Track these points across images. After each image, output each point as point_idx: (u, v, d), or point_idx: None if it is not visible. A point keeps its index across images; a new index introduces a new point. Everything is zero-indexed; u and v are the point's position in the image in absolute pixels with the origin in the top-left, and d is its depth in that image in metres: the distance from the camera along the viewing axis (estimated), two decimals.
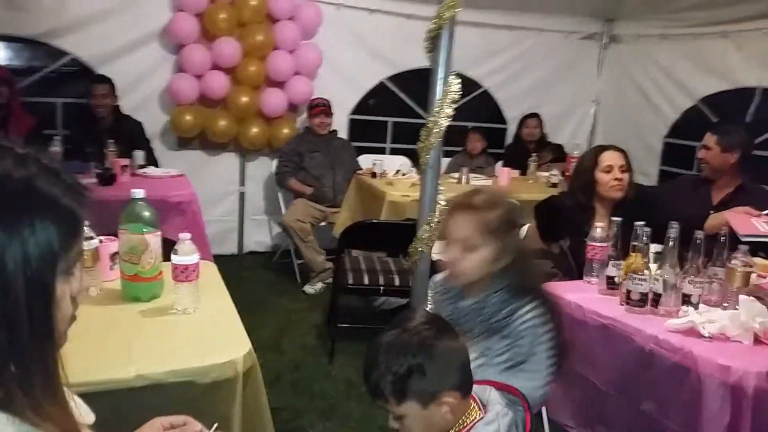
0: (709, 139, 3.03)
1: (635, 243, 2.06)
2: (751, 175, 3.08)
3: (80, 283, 0.81)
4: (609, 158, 2.62)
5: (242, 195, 4.90)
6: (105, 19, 4.13)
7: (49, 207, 0.74)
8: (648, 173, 5.27)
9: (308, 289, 4.20)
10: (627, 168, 2.64)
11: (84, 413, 0.85)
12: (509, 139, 5.67)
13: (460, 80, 1.85)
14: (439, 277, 1.65)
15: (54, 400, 0.74)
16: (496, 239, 1.44)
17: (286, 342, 3.35)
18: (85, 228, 0.84)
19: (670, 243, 2.00)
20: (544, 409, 2.43)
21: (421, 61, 4.82)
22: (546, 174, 4.58)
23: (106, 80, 3.98)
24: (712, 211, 2.84)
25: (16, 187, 0.72)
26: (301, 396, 2.84)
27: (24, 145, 0.76)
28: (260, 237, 5.06)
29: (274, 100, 4.47)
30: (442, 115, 1.79)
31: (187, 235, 1.68)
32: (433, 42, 1.81)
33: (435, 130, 1.78)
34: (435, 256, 1.56)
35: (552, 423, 2.29)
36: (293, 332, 3.45)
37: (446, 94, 1.79)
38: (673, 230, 2.00)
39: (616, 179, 2.59)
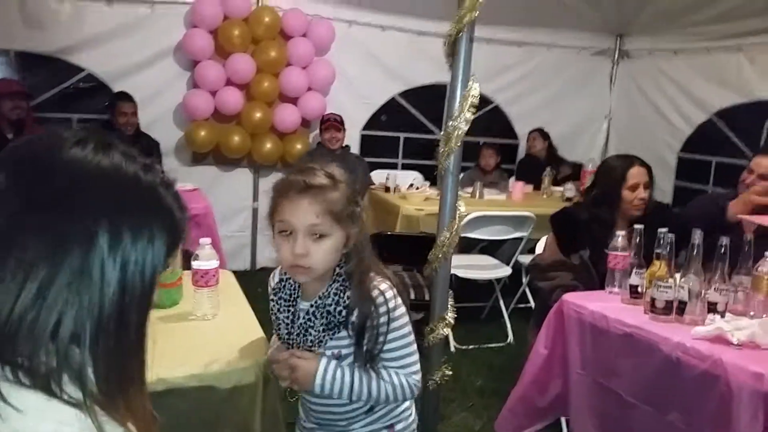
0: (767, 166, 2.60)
1: (659, 251, 2.03)
2: None
3: (156, 296, 0.84)
4: (636, 175, 2.52)
5: (255, 211, 4.90)
6: (120, 36, 4.19)
7: (165, 216, 0.76)
8: (662, 189, 5.23)
9: None
10: (650, 184, 2.57)
11: None
12: (521, 154, 5.67)
13: (478, 85, 1.83)
14: (276, 277, 1.46)
15: (141, 393, 0.76)
16: (344, 222, 1.27)
17: None
18: None
19: (695, 251, 1.96)
20: (564, 422, 2.39)
21: (432, 77, 4.97)
22: (560, 189, 4.56)
23: (131, 98, 4.04)
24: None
25: (144, 191, 0.74)
26: None
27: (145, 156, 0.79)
28: (272, 253, 4.94)
29: (287, 115, 4.49)
30: (461, 119, 1.77)
31: (208, 240, 1.68)
32: (452, 46, 1.80)
33: (455, 135, 1.76)
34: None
35: None
36: None
37: (466, 98, 1.78)
38: (697, 236, 1.96)
39: (640, 198, 2.51)
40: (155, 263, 0.74)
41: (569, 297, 2.19)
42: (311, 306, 1.34)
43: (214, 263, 1.67)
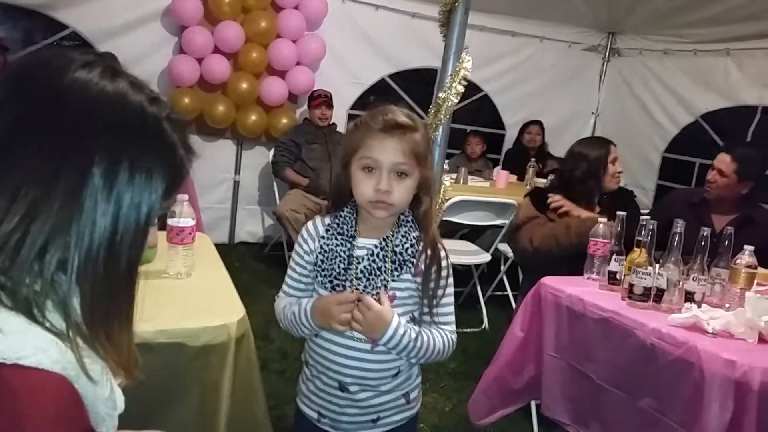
0: (727, 165, 2.72)
1: (640, 238, 2.03)
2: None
3: (153, 237, 0.81)
4: (614, 151, 2.73)
5: (236, 184, 4.83)
6: None
7: (167, 152, 0.75)
8: (645, 187, 5.28)
9: None
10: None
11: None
12: (507, 145, 5.66)
13: (471, 59, 1.81)
14: (318, 221, 1.40)
15: (127, 331, 0.76)
16: (422, 164, 1.31)
17: (274, 331, 3.28)
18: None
19: (675, 240, 1.97)
20: (533, 405, 2.39)
21: (423, 60, 4.94)
22: (544, 180, 4.55)
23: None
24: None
25: (147, 122, 0.72)
26: (288, 383, 2.77)
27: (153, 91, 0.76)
28: (252, 227, 4.99)
29: (274, 88, 4.42)
30: (452, 91, 1.75)
31: (185, 197, 1.63)
32: (447, 16, 1.77)
33: (445, 106, 1.74)
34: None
35: (546, 419, 2.24)
36: None
37: (458, 70, 1.75)
38: (679, 226, 1.97)
39: (618, 171, 2.72)
40: (152, 199, 0.73)
41: (547, 281, 2.18)
42: (376, 246, 1.33)
43: (190, 221, 1.62)
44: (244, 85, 4.32)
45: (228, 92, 4.36)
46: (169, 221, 1.61)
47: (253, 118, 4.44)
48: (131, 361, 0.78)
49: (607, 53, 5.75)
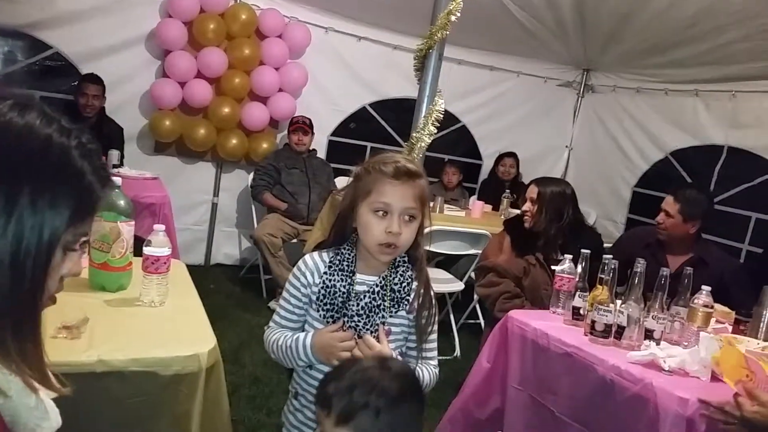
0: (672, 206, 2.83)
1: (602, 276, 2.11)
2: (714, 230, 2.99)
3: (75, 265, 0.84)
4: (528, 191, 2.90)
5: (215, 206, 4.86)
6: (93, 17, 4.12)
7: (74, 180, 0.78)
8: (616, 220, 5.41)
9: (273, 304, 4.14)
10: (534, 201, 2.83)
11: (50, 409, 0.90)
12: (483, 175, 5.77)
13: (443, 101, 1.89)
14: (316, 257, 1.46)
15: (37, 348, 0.79)
16: (425, 208, 1.40)
17: (246, 355, 3.30)
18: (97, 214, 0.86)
19: (636, 279, 2.05)
20: None
21: (403, 90, 5.04)
22: (518, 211, 4.65)
23: (98, 80, 3.98)
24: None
25: (53, 152, 0.76)
26: (258, 410, 2.78)
27: (72, 121, 0.81)
28: (229, 249, 5.00)
29: (256, 113, 4.48)
30: (425, 131, 1.82)
31: (162, 227, 1.67)
32: (421, 61, 1.85)
33: (418, 146, 1.81)
34: None
35: None
36: (255, 346, 3.39)
37: (431, 112, 1.82)
38: (640, 266, 2.05)
39: (522, 210, 2.90)
40: (55, 225, 0.76)
41: (514, 314, 2.25)
42: (377, 285, 1.41)
43: (166, 251, 1.66)
44: (226, 110, 4.38)
45: (210, 116, 4.42)
46: (145, 250, 1.65)
47: (234, 141, 4.50)
48: (45, 377, 0.82)
49: (581, 89, 5.92)
